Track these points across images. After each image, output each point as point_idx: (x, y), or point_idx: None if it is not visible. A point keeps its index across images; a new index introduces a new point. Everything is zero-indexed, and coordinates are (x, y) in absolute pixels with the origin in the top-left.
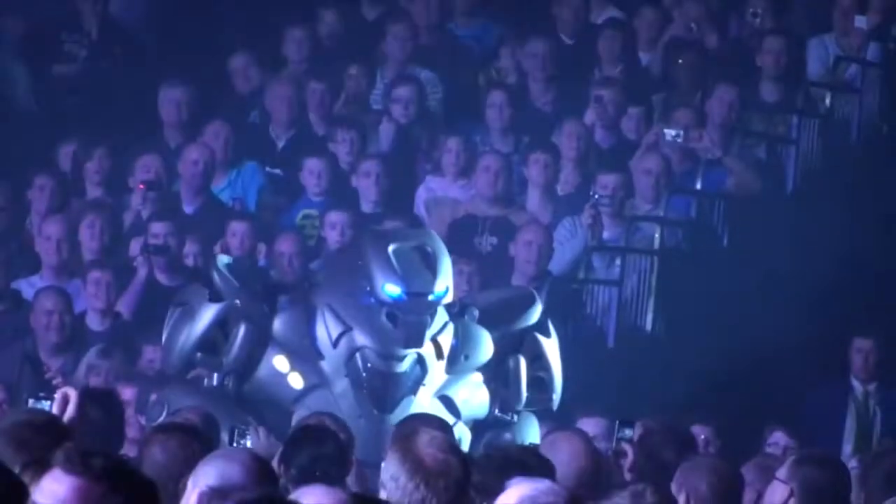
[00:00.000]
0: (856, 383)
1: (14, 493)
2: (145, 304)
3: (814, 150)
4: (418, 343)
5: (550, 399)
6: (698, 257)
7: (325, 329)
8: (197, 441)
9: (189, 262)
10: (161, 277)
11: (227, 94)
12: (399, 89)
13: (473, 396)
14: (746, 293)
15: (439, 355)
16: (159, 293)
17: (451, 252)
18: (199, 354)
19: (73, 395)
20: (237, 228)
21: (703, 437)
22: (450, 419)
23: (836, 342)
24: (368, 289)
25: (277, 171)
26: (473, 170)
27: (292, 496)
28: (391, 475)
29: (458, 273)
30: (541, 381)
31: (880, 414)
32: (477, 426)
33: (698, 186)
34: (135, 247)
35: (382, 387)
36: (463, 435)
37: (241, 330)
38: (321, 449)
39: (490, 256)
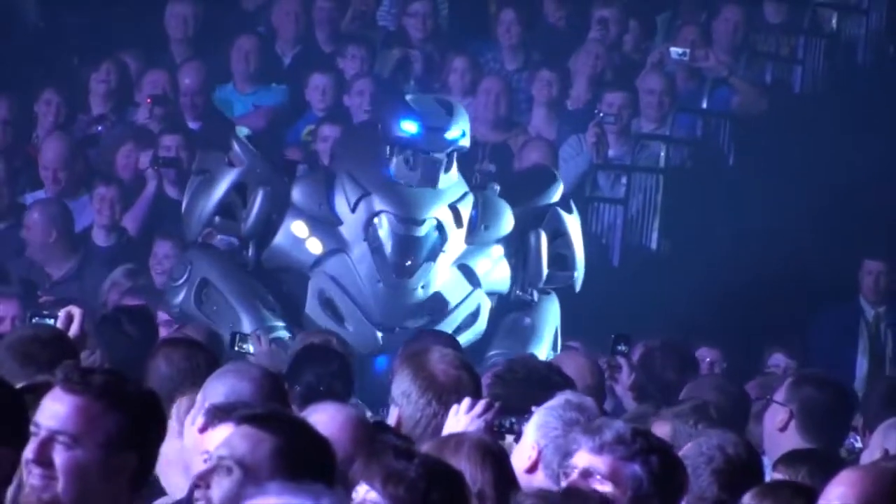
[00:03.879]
0: (866, 306)
1: (14, 406)
2: (154, 218)
3: (820, 71)
4: (433, 182)
5: (572, 277)
6: (704, 177)
7: (344, 194)
8: (202, 354)
9: None
10: (171, 191)
11: (234, 10)
12: (414, 4)
13: (494, 269)
14: (752, 213)
15: (458, 223)
16: (169, 206)
17: None
18: (217, 219)
19: (77, 312)
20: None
21: (708, 359)
22: (467, 288)
23: (846, 264)
24: (387, 144)
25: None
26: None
27: (303, 413)
28: (403, 391)
29: None
30: (563, 259)
31: (891, 336)
32: (498, 304)
33: (704, 105)
34: (144, 160)
35: (401, 251)
36: (482, 302)
37: (259, 195)
38: (327, 367)
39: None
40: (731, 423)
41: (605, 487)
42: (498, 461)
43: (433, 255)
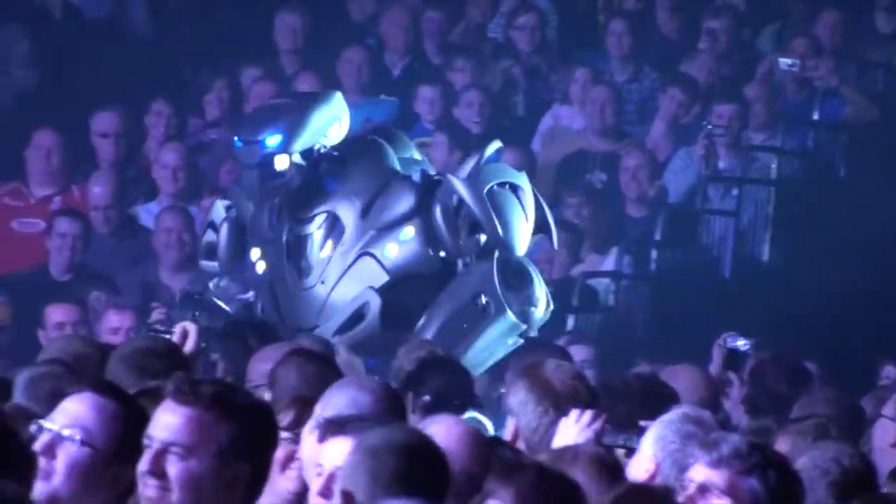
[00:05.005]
0: None
1: (134, 417)
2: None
3: None
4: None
5: (497, 237)
6: (815, 187)
7: (270, 212)
8: (332, 371)
9: None
10: None
11: (342, 21)
12: (521, 17)
13: (403, 251)
14: (864, 224)
15: (363, 214)
16: None
17: (564, 186)
18: (203, 262)
19: (192, 329)
20: None
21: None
22: (380, 276)
23: None
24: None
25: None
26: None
27: (421, 425)
28: (520, 401)
29: (566, 206)
30: (473, 224)
31: None
32: (423, 282)
33: (815, 117)
34: None
35: (293, 251)
36: (371, 300)
37: (225, 228)
38: (449, 377)
39: (601, 192)
40: (846, 438)
41: (723, 502)
42: (613, 475)
43: (328, 250)
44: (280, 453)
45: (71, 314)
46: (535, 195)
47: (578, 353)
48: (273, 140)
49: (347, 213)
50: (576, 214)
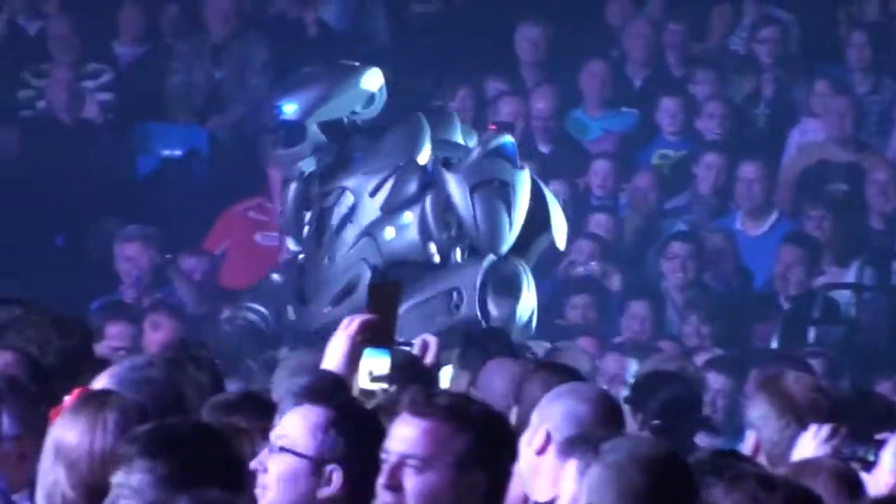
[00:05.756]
0: None
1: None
2: None
3: None
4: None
5: (477, 237)
6: None
7: None
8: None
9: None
10: None
11: (582, 33)
12: (764, 30)
13: (399, 236)
14: None
15: (373, 192)
16: None
17: (805, 198)
18: None
19: (433, 341)
20: (600, 167)
21: None
22: (376, 258)
23: None
24: None
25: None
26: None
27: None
28: (761, 415)
29: (807, 219)
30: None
31: None
32: (412, 270)
33: None
34: None
35: (321, 224)
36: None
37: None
38: (675, 391)
39: (842, 204)
40: None
41: None
42: (854, 490)
43: (341, 227)
44: None
45: None
46: (542, 194)
47: (817, 365)
48: (290, 108)
49: (360, 191)
50: (817, 227)
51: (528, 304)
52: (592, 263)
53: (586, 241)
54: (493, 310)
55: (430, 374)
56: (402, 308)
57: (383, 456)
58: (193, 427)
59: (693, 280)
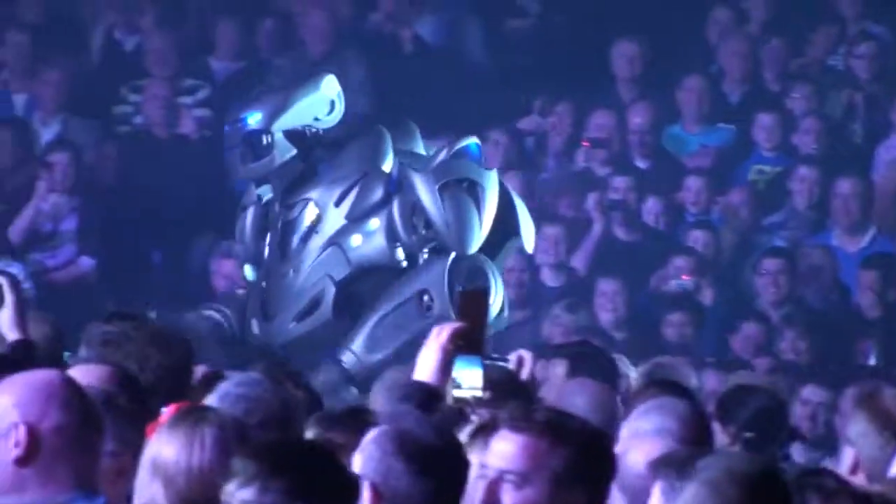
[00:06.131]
0: None
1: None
2: (601, 258)
3: None
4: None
5: (446, 235)
6: None
7: None
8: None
9: (650, 219)
10: (619, 231)
11: (679, 49)
12: (861, 46)
13: (367, 242)
14: None
15: (337, 201)
16: (617, 247)
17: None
18: None
19: (528, 356)
20: (693, 183)
21: None
22: (344, 267)
23: None
24: None
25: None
26: None
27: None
28: (860, 431)
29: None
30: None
31: None
32: (380, 275)
33: None
34: (591, 201)
35: (284, 237)
36: (326, 288)
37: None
38: (763, 402)
39: None
40: None
41: None
42: None
43: (306, 238)
44: None
45: None
46: (509, 198)
47: None
48: (254, 119)
49: (325, 201)
50: None
51: (498, 295)
52: (684, 277)
53: (682, 256)
54: None
55: (527, 390)
56: (374, 320)
57: (481, 471)
58: (307, 445)
59: (787, 296)
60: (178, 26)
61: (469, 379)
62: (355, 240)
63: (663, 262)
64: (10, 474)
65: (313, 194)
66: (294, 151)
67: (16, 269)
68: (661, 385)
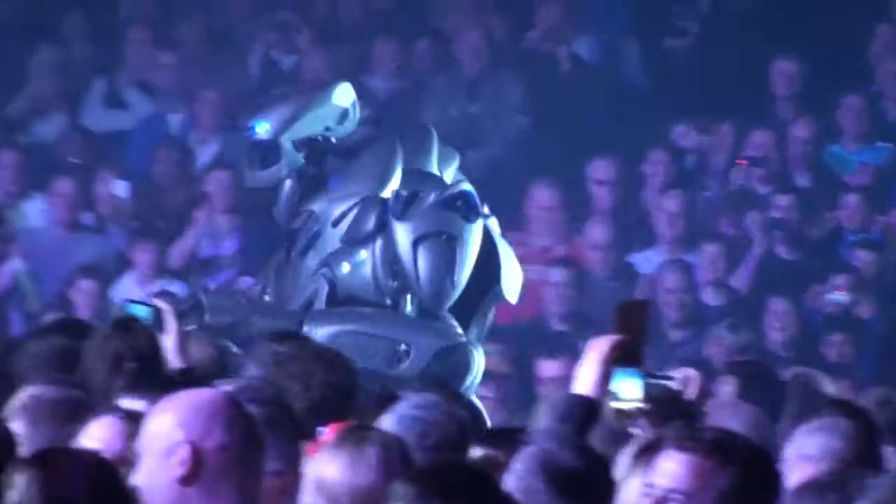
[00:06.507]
0: None
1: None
2: (763, 277)
3: None
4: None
5: (418, 291)
6: None
7: None
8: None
9: (811, 237)
10: (780, 250)
11: (839, 67)
12: None
13: (353, 272)
14: None
15: (336, 221)
16: (779, 265)
17: None
18: None
19: (695, 376)
20: (851, 201)
21: None
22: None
23: None
24: None
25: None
26: None
27: None
28: None
29: None
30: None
31: None
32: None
33: None
34: (751, 220)
35: (289, 245)
36: (320, 287)
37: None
38: None
39: None
40: None
41: None
42: None
43: (305, 251)
44: None
45: (562, 369)
46: (494, 247)
47: None
48: (262, 128)
49: (325, 218)
50: None
51: (473, 384)
52: (839, 293)
53: (843, 274)
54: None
55: (691, 409)
56: (340, 328)
57: (646, 490)
58: (469, 469)
59: None
60: (335, 45)
61: (629, 391)
62: (345, 267)
63: (824, 280)
64: (174, 493)
65: (317, 206)
66: (302, 161)
67: (177, 288)
68: (832, 404)
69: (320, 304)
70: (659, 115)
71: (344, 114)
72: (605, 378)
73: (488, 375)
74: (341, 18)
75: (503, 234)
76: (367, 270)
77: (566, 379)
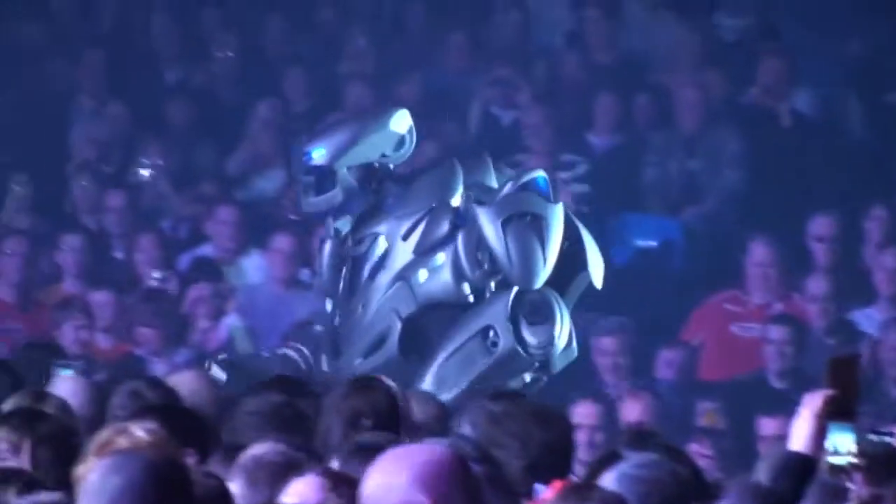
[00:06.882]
0: None
1: None
2: None
3: None
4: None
5: (510, 271)
6: None
7: None
8: None
9: None
10: None
11: None
12: None
13: (432, 278)
14: None
15: (405, 235)
16: None
17: None
18: None
19: None
20: None
21: None
22: (410, 303)
23: None
24: None
25: None
26: None
27: None
28: None
29: None
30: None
31: None
32: (442, 313)
33: None
34: None
35: (353, 273)
36: (391, 324)
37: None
38: None
39: None
40: None
41: None
42: None
43: (374, 273)
44: None
45: (781, 427)
46: (577, 232)
47: None
48: (318, 153)
49: (393, 235)
50: None
51: (565, 327)
52: None
53: None
54: (529, 338)
55: None
56: (441, 358)
57: None
58: None
59: None
60: (555, 101)
61: (843, 446)
62: (422, 275)
63: None
64: None
65: (382, 228)
66: (358, 187)
67: None
68: None
69: (392, 343)
70: (879, 171)
71: (401, 140)
72: (820, 433)
73: (705, 432)
74: (559, 76)
75: (720, 290)
76: (446, 273)
77: (785, 437)
